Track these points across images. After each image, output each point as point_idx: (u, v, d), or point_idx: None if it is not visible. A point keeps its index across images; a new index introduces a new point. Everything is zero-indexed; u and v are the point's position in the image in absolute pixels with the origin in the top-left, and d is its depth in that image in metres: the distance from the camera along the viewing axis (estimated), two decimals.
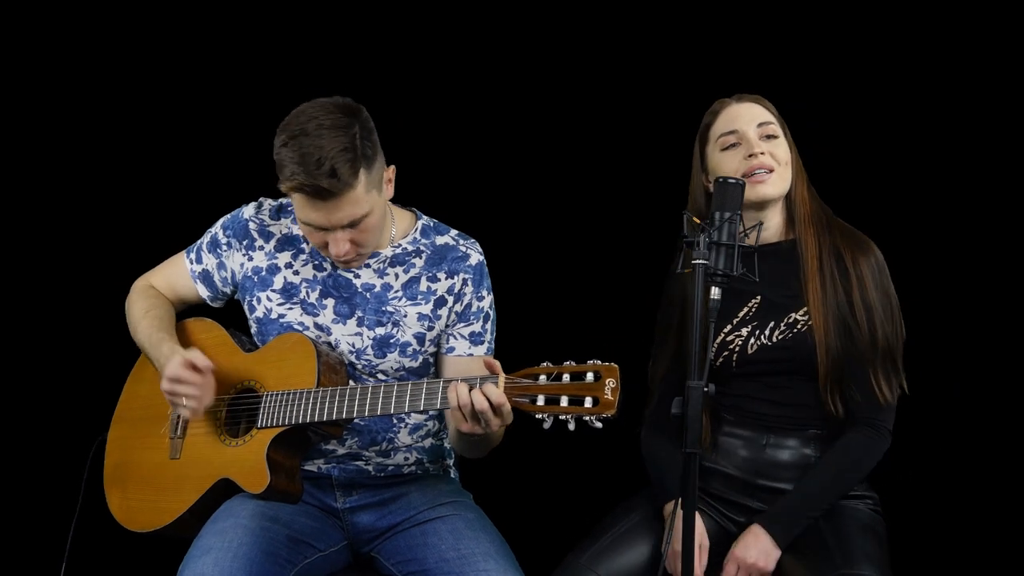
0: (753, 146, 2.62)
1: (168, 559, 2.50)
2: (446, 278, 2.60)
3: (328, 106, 2.40)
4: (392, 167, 2.50)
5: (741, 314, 2.66)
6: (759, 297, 2.65)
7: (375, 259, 2.60)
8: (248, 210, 2.66)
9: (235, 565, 2.34)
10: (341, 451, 2.61)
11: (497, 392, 2.28)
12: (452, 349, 2.61)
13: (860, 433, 2.60)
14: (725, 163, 2.65)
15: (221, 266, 2.67)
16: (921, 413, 2.76)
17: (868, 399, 2.60)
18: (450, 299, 2.59)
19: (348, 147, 2.34)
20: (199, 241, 2.71)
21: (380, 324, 2.58)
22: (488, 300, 2.63)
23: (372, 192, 2.42)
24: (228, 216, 2.68)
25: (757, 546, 2.56)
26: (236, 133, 3.30)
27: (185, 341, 2.66)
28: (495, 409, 2.28)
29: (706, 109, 2.72)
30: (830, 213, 2.70)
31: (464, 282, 2.59)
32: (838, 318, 2.59)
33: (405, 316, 2.58)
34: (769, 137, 2.65)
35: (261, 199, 2.68)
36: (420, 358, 2.61)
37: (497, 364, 2.32)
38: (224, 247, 2.65)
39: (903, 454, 2.69)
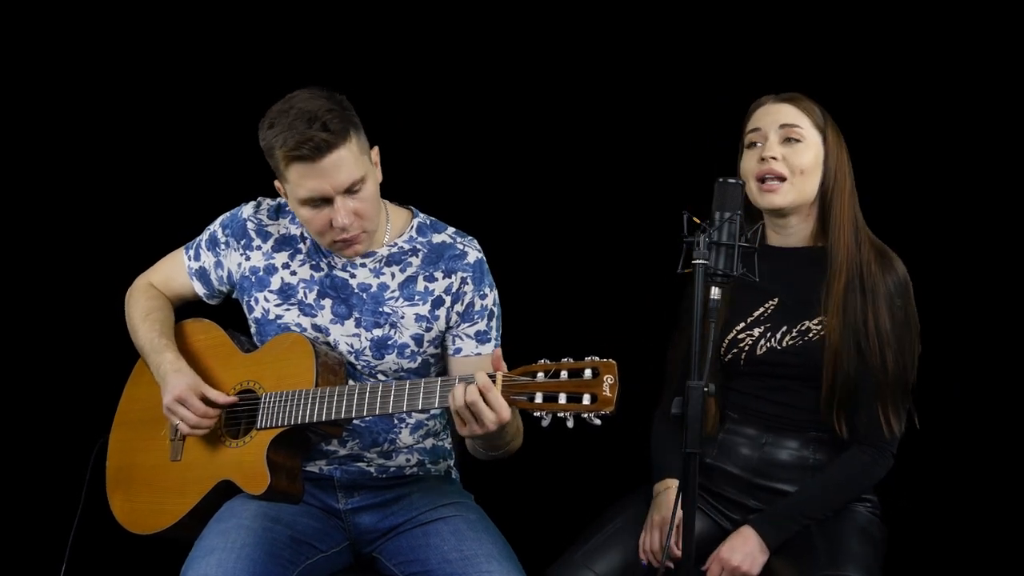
0: (766, 149, 2.59)
1: (170, 561, 2.50)
2: (443, 277, 2.59)
3: (304, 90, 2.46)
4: (376, 148, 2.52)
5: (756, 313, 2.65)
6: (776, 299, 2.63)
7: (371, 258, 2.60)
8: (247, 209, 2.66)
9: (239, 566, 2.34)
10: (343, 452, 2.60)
11: (483, 378, 2.26)
12: (459, 350, 2.60)
13: (864, 452, 2.58)
14: (745, 161, 2.64)
15: (219, 264, 2.67)
16: (921, 414, 2.75)
17: (874, 428, 2.57)
18: (448, 299, 2.58)
19: (334, 108, 2.41)
20: (198, 238, 2.71)
21: (378, 325, 2.57)
22: (491, 297, 2.62)
23: (364, 159, 2.45)
24: (227, 214, 2.69)
25: (744, 549, 2.56)
26: (235, 132, 3.28)
27: (183, 343, 2.66)
28: (484, 397, 2.25)
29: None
30: (865, 228, 2.63)
31: (463, 281, 2.59)
32: (854, 338, 2.56)
33: (403, 317, 2.58)
34: (790, 140, 2.59)
35: (260, 199, 2.68)
36: (419, 359, 2.60)
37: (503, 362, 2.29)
38: (222, 245, 2.66)
39: (903, 455, 2.68)
